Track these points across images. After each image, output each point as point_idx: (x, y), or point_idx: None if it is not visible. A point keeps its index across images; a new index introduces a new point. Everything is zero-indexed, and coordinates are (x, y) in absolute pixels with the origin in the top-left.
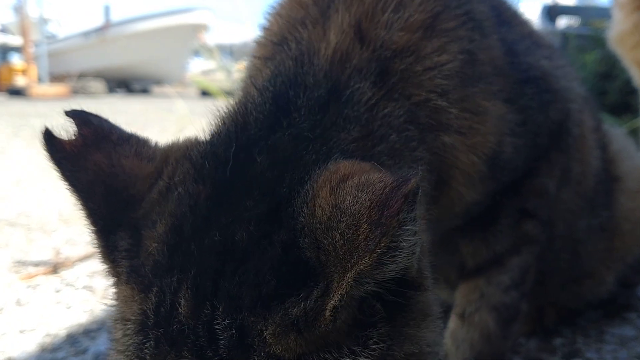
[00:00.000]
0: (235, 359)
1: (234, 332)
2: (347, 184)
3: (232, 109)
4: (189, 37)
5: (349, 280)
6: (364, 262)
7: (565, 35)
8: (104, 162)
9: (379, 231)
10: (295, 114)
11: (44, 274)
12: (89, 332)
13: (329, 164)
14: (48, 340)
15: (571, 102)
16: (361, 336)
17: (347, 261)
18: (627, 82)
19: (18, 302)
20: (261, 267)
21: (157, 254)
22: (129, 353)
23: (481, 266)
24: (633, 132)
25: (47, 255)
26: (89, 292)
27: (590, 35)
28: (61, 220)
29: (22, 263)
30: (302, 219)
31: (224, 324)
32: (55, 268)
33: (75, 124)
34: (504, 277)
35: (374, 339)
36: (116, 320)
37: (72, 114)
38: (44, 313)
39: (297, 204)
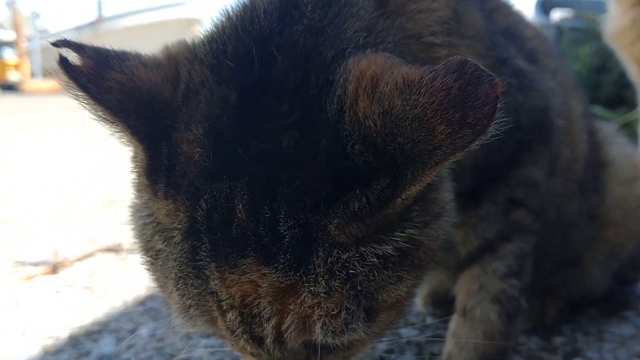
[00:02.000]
0: (300, 253)
1: (297, 230)
2: (383, 88)
3: (236, 6)
4: (182, 31)
5: (430, 173)
6: (451, 157)
7: (559, 28)
8: (122, 78)
9: (469, 131)
10: (303, 6)
11: (44, 274)
12: (90, 333)
13: (349, 62)
14: (50, 342)
15: (552, 94)
16: (409, 211)
17: (424, 159)
18: (622, 75)
19: (18, 304)
20: (315, 172)
21: (202, 160)
22: (181, 257)
23: (474, 254)
24: (627, 126)
25: (46, 255)
26: (88, 292)
27: (585, 28)
28: (59, 218)
29: (21, 263)
30: (348, 127)
31: (287, 224)
32: (54, 268)
33: (74, 50)
34: (498, 264)
35: (417, 212)
36: (151, 235)
37: (65, 43)
38: (45, 314)
39: (332, 110)
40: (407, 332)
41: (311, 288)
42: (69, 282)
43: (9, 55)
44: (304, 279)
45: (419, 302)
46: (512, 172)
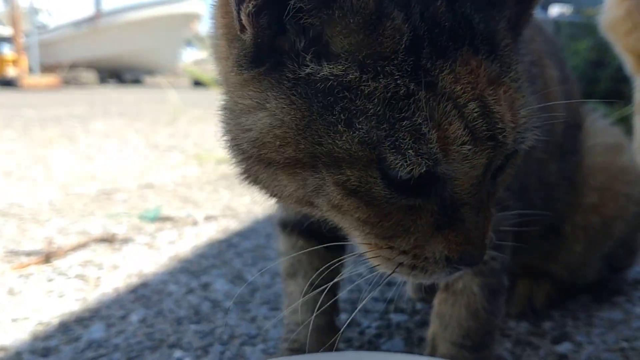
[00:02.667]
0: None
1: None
2: None
3: None
4: (181, 27)
5: None
6: None
7: (557, 23)
8: None
9: None
10: None
11: (36, 263)
12: (81, 320)
13: None
14: (40, 328)
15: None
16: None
17: None
18: (619, 70)
19: (10, 292)
20: None
21: None
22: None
23: None
24: (624, 120)
25: (40, 245)
26: (81, 281)
27: (582, 23)
28: (53, 210)
29: (15, 253)
30: None
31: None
32: (47, 257)
33: None
34: None
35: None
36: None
37: None
38: (36, 302)
39: None
40: (396, 317)
41: (510, 75)
42: (61, 271)
43: (7, 50)
44: (504, 68)
45: (409, 289)
46: None
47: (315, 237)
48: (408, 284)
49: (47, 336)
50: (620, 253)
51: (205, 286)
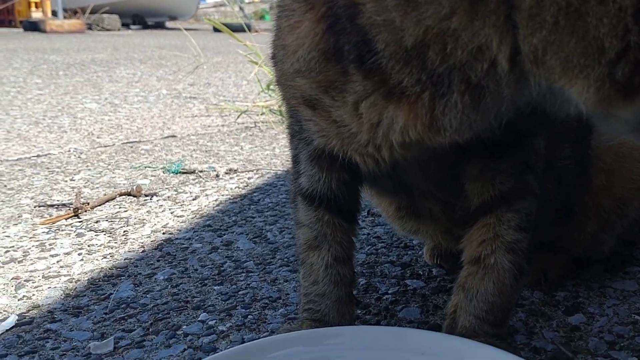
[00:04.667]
0: None
1: None
2: None
3: None
4: None
5: None
6: None
7: None
8: None
9: None
10: None
11: (65, 217)
12: (110, 277)
13: None
14: (71, 285)
15: None
16: None
17: None
18: None
19: (41, 246)
20: None
21: None
22: None
23: (489, 205)
24: None
25: (68, 198)
26: (109, 236)
27: None
28: (80, 161)
29: (44, 205)
30: None
31: None
32: (76, 211)
33: None
34: (513, 215)
35: None
36: None
37: None
38: (66, 258)
39: None
40: (413, 283)
41: None
42: (90, 226)
43: None
44: None
45: (425, 253)
46: (527, 139)
47: (341, 211)
48: (425, 248)
49: (78, 294)
50: (636, 231)
51: (228, 244)
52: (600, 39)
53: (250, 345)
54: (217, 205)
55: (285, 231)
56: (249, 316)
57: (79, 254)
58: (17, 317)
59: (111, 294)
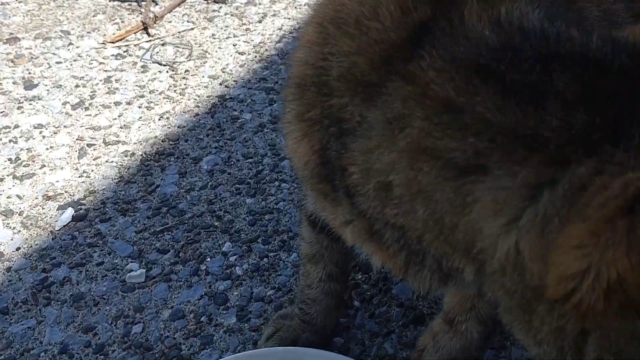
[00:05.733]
0: None
1: None
2: None
3: None
4: None
5: None
6: None
7: None
8: None
9: None
10: None
11: (135, 31)
12: (160, 156)
13: None
14: (125, 162)
15: None
16: None
17: None
18: None
19: (107, 85)
20: None
21: None
22: None
23: None
24: None
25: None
26: (171, 79)
27: None
28: None
29: (117, 6)
30: None
31: None
32: (144, 25)
33: None
34: None
35: None
36: None
37: None
38: (126, 113)
39: None
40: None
41: None
42: (154, 55)
43: None
44: None
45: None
46: None
47: (340, 238)
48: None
49: (130, 178)
50: None
51: (274, 122)
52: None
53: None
54: (279, 39)
55: None
56: (264, 259)
57: (139, 107)
58: (73, 210)
59: (158, 185)
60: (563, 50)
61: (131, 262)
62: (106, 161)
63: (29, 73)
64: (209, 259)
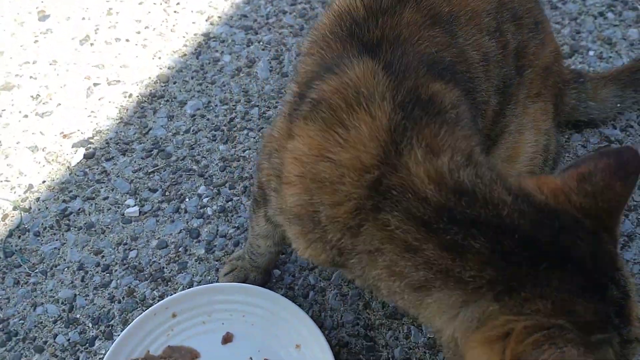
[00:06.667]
0: None
1: None
2: None
3: None
4: None
5: None
6: None
7: None
8: None
9: None
10: None
11: None
12: (153, 98)
13: None
14: (125, 103)
15: None
16: None
17: None
18: None
19: (108, 13)
20: None
21: None
22: None
23: None
24: None
25: None
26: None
27: None
28: None
29: None
30: None
31: None
32: None
33: None
34: None
35: None
36: None
37: None
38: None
39: None
40: None
41: None
42: None
43: None
44: None
45: None
46: None
47: None
48: None
49: (128, 119)
50: None
51: (251, 65)
52: None
53: (196, 289)
54: None
55: None
56: (229, 202)
57: (136, 45)
58: (84, 149)
59: (150, 128)
60: (484, 216)
61: (129, 198)
62: (109, 102)
63: (42, 2)
64: (187, 200)
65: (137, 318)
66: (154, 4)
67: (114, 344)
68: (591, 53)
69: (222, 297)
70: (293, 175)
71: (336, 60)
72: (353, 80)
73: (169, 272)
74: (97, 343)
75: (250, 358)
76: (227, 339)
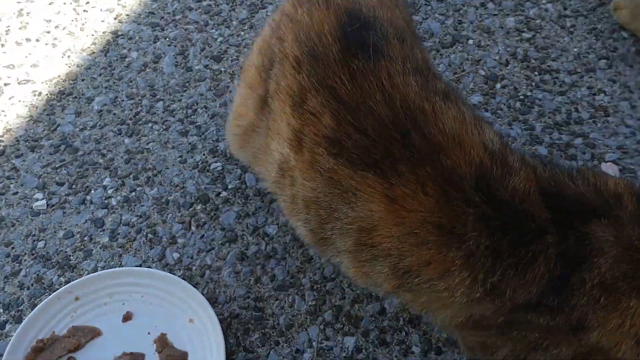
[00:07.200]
0: None
1: None
2: None
3: None
4: None
5: None
6: None
7: None
8: None
9: None
10: None
11: None
12: (61, 96)
13: None
14: (35, 101)
15: None
16: None
17: None
18: None
19: (19, 14)
20: None
21: None
22: None
23: None
24: None
25: None
26: (75, 3)
27: None
28: None
29: None
30: None
31: None
32: None
33: None
34: None
35: None
36: None
37: None
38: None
39: None
40: None
41: None
42: None
43: None
44: None
45: None
46: None
47: None
48: None
49: (38, 117)
50: None
51: (157, 61)
52: None
53: (105, 272)
54: None
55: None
56: (133, 192)
57: (46, 44)
58: None
59: (59, 125)
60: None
61: (37, 192)
62: (19, 100)
63: None
64: (93, 191)
65: (42, 302)
66: (64, 3)
67: (20, 327)
68: (470, 42)
69: (123, 280)
70: None
71: None
72: None
73: (75, 260)
74: (8, 327)
75: (149, 332)
76: (127, 317)
